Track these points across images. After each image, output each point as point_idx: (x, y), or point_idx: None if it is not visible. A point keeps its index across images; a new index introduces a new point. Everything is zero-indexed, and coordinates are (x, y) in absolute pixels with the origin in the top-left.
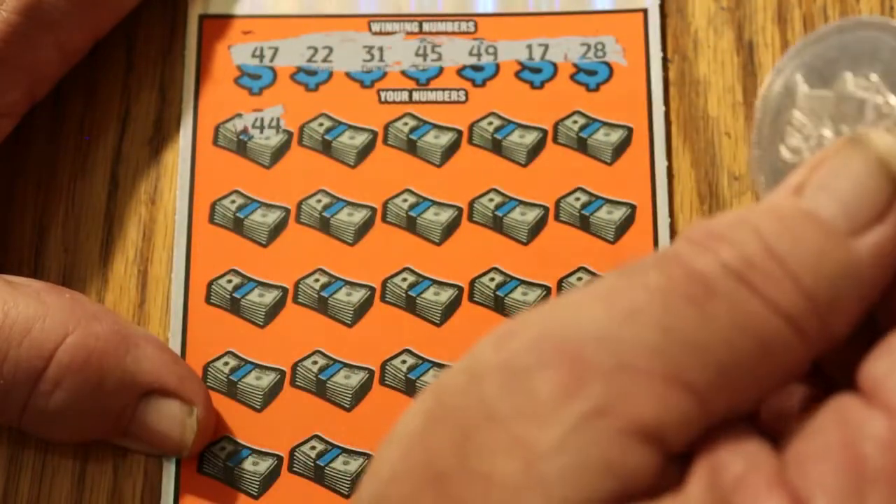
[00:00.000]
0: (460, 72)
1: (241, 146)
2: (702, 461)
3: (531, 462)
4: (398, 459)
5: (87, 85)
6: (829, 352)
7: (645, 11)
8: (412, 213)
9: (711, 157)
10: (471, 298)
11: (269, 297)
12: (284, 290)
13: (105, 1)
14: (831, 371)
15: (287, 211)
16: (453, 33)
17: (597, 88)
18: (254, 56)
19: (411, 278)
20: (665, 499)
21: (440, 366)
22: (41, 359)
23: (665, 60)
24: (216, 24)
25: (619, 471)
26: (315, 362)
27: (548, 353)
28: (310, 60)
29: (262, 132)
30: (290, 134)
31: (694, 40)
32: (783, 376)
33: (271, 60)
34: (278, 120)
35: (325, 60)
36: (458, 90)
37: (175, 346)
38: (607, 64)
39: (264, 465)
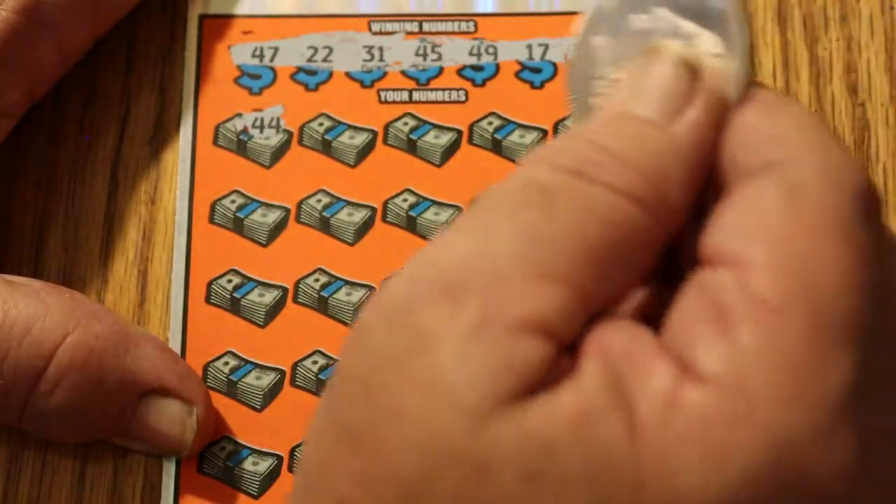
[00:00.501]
0: (460, 72)
1: (241, 146)
2: (591, 346)
3: (434, 384)
4: (312, 433)
5: (87, 85)
6: (675, 232)
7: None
8: (412, 213)
9: None
10: None
11: (269, 296)
12: (284, 290)
13: (105, 1)
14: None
15: (287, 211)
16: (453, 33)
17: None
18: (254, 56)
19: None
20: (563, 385)
21: None
22: (41, 358)
23: None
24: (216, 24)
25: (516, 367)
26: (315, 362)
27: (423, 289)
28: (310, 60)
29: (262, 132)
30: (290, 134)
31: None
32: (642, 252)
33: (271, 60)
34: (278, 120)
35: (325, 60)
36: (458, 90)
37: (175, 346)
38: None
39: (264, 465)
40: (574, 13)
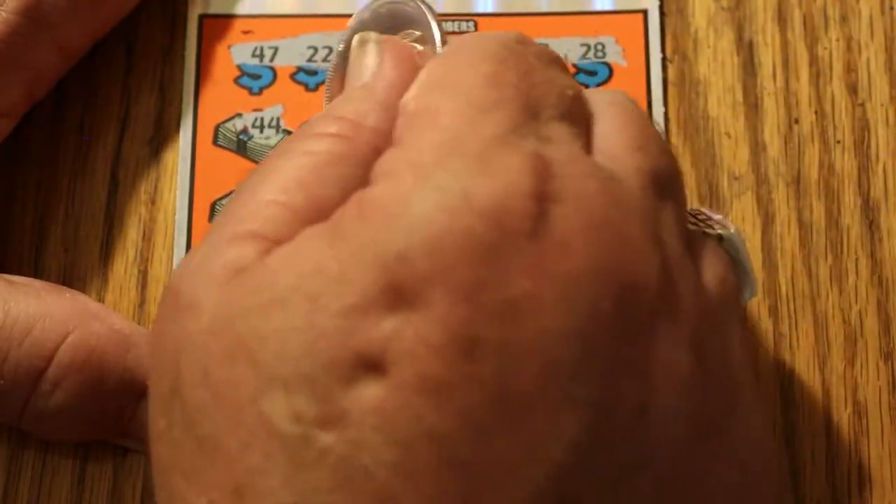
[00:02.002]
0: None
1: (240, 146)
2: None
3: (175, 295)
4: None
5: (87, 85)
6: (386, 144)
7: (645, 12)
8: None
9: (711, 157)
10: None
11: None
12: None
13: (105, 1)
14: None
15: None
16: (453, 33)
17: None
18: (254, 56)
19: None
20: (275, 251)
21: None
22: (42, 358)
23: (665, 61)
24: (216, 24)
25: (233, 258)
26: None
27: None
28: (310, 60)
29: (261, 132)
30: (289, 134)
31: (694, 40)
32: (350, 164)
33: (271, 60)
34: (278, 120)
35: (325, 60)
36: None
37: None
38: (607, 64)
39: None
40: (573, 13)
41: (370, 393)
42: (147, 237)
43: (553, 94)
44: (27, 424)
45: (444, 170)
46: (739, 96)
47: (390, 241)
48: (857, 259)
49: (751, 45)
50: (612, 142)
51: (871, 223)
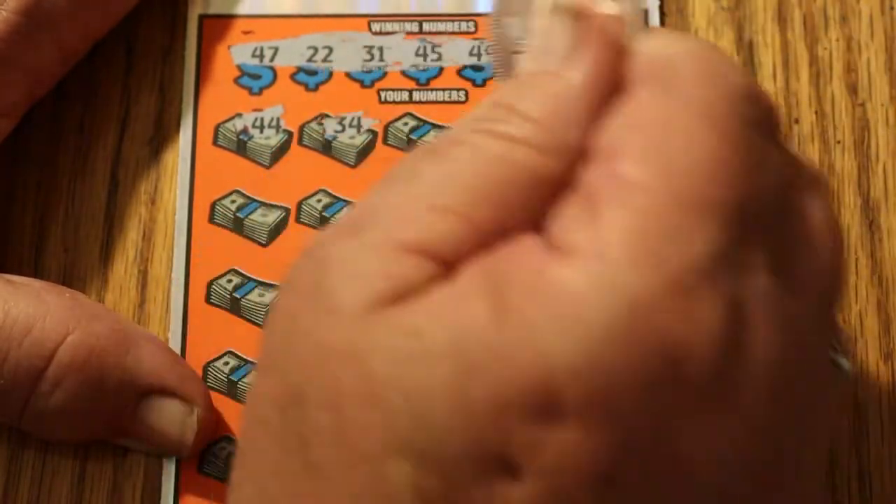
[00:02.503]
0: (460, 72)
1: (240, 146)
2: (474, 258)
3: (322, 298)
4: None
5: (87, 85)
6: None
7: (645, 12)
8: None
9: None
10: None
11: (270, 296)
12: None
13: (104, 1)
14: None
15: (287, 211)
16: (453, 33)
17: None
18: (254, 56)
19: None
20: (438, 286)
21: None
22: (41, 358)
23: None
24: (216, 24)
25: (392, 278)
26: None
27: (333, 231)
28: (310, 60)
29: (261, 132)
30: (289, 134)
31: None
32: (540, 184)
33: (271, 60)
34: (278, 120)
35: (325, 60)
36: (458, 90)
37: (175, 345)
38: None
39: None
40: None
41: (500, 494)
42: (147, 237)
43: (769, 198)
44: (27, 424)
45: (637, 284)
46: None
47: (564, 347)
48: (857, 259)
49: (751, 45)
50: (812, 273)
51: (871, 223)
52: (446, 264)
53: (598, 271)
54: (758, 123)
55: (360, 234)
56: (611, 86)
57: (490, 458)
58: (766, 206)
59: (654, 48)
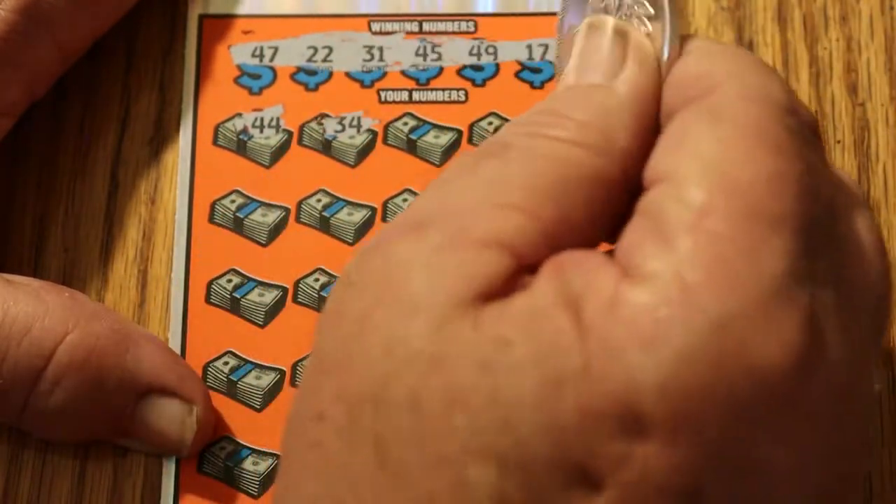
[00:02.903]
0: (460, 72)
1: (240, 146)
2: (548, 265)
3: (397, 296)
4: (302, 377)
5: (87, 85)
6: (633, 170)
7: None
8: None
9: None
10: None
11: (269, 296)
12: (284, 290)
13: (104, 0)
14: None
15: (287, 211)
16: (453, 33)
17: None
18: (254, 56)
19: None
20: (518, 294)
21: None
22: (41, 358)
23: None
24: (216, 24)
25: (475, 275)
26: None
27: (392, 230)
28: (310, 60)
29: (261, 132)
30: (289, 134)
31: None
32: (597, 187)
33: (271, 60)
34: (278, 120)
35: (325, 60)
36: (458, 90)
37: (175, 345)
38: None
39: (264, 465)
40: None
41: None
42: (147, 237)
43: (825, 207)
44: (27, 424)
45: (717, 304)
46: None
47: (648, 364)
48: None
49: (751, 45)
50: (864, 287)
51: None
52: (522, 260)
53: (677, 295)
54: (803, 134)
55: (429, 232)
56: (654, 101)
57: (573, 469)
58: (824, 217)
59: (692, 64)
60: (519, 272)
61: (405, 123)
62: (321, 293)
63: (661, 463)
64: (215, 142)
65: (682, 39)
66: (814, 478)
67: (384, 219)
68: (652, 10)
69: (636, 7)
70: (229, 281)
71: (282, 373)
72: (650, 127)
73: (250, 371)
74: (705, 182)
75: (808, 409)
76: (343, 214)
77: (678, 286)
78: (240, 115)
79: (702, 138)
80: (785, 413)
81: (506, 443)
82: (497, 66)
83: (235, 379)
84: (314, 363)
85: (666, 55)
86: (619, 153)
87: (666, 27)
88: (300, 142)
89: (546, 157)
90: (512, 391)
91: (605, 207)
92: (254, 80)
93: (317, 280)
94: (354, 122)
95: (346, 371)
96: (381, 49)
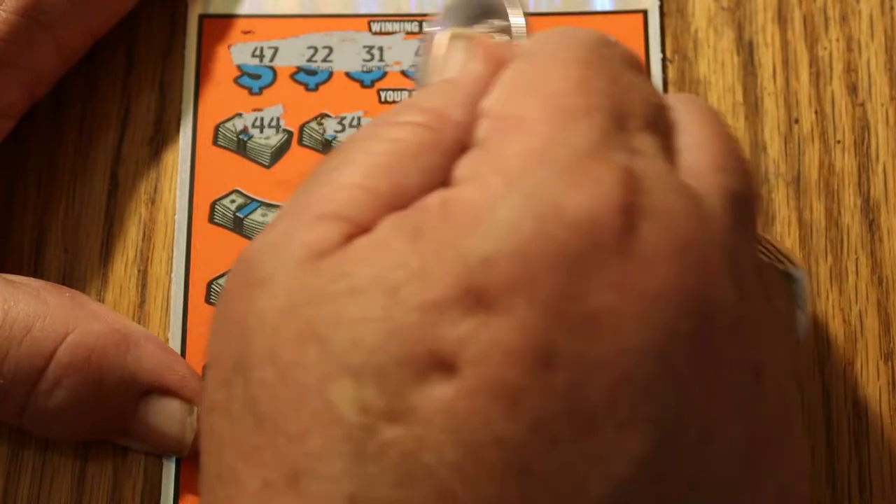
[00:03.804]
0: None
1: (240, 146)
2: (390, 215)
3: (249, 274)
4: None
5: (87, 85)
6: (468, 138)
7: (645, 12)
8: None
9: None
10: None
11: None
12: None
13: (104, 0)
14: None
15: None
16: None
17: None
18: (254, 56)
19: None
20: (357, 239)
21: None
22: (41, 358)
23: (665, 61)
24: (216, 24)
25: (308, 241)
26: None
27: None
28: (310, 60)
29: (261, 132)
30: (289, 134)
31: (694, 40)
32: (434, 154)
33: (271, 60)
34: (278, 120)
35: (325, 60)
36: None
37: (175, 345)
38: None
39: None
40: (573, 13)
41: (440, 392)
42: (147, 237)
43: (639, 102)
44: (27, 423)
45: (534, 178)
46: (739, 96)
47: (475, 244)
48: (857, 259)
49: (751, 45)
50: (697, 157)
51: (871, 223)
52: (360, 225)
53: (497, 182)
54: (613, 56)
55: (276, 223)
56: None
57: (424, 360)
58: (640, 110)
59: (524, 45)
60: (355, 235)
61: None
62: None
63: (505, 329)
64: (215, 142)
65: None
66: (663, 325)
67: None
68: (503, 23)
69: (490, 27)
70: None
71: None
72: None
73: None
74: (517, 98)
75: (641, 253)
76: None
77: (498, 176)
78: (240, 115)
79: (516, 72)
80: (614, 260)
81: (357, 357)
82: None
83: None
84: (204, 366)
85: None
86: (452, 124)
87: (517, 32)
88: (300, 142)
89: (382, 138)
90: (355, 311)
91: (447, 173)
92: (254, 80)
93: None
94: (354, 122)
95: (219, 358)
96: (381, 49)
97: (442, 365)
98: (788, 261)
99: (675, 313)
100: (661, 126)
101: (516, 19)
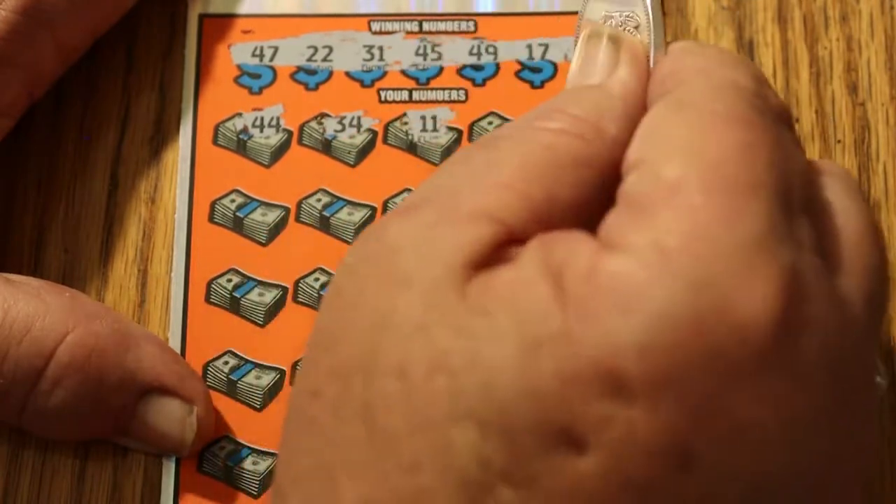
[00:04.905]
0: (460, 71)
1: (240, 145)
2: (535, 239)
3: (388, 273)
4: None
5: (87, 85)
6: (621, 155)
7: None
8: None
9: None
10: None
11: (269, 296)
12: (284, 290)
13: (104, 0)
14: None
15: (287, 210)
16: (453, 33)
17: None
18: (254, 55)
19: None
20: (505, 266)
21: None
22: (41, 357)
23: None
24: (216, 24)
25: (464, 246)
26: None
27: (388, 216)
28: (310, 60)
29: (261, 131)
30: (289, 133)
31: (694, 40)
32: (586, 170)
33: (271, 60)
34: (278, 119)
35: (325, 60)
36: (458, 90)
37: (175, 345)
38: None
39: (264, 465)
40: (574, 13)
41: (568, 468)
42: (147, 237)
43: (798, 177)
44: (27, 423)
45: (697, 266)
46: None
47: (628, 327)
48: None
49: (751, 45)
50: (849, 254)
51: None
52: (510, 231)
53: (655, 260)
54: (772, 113)
55: (421, 212)
56: (643, 96)
57: (556, 432)
58: (799, 186)
59: (667, 63)
60: (508, 243)
61: (405, 123)
62: (321, 292)
63: (646, 424)
64: (215, 141)
65: (668, 45)
66: (807, 445)
67: None
68: (640, 21)
69: (628, 20)
70: (229, 280)
71: (282, 372)
72: (639, 119)
73: (250, 371)
74: (677, 160)
75: (797, 370)
76: (343, 214)
77: (656, 253)
78: (240, 114)
79: (671, 124)
80: (769, 371)
81: (487, 406)
82: (497, 65)
83: (235, 378)
84: (313, 342)
85: (652, 58)
86: (609, 142)
87: (651, 34)
88: (300, 141)
89: (536, 143)
90: (491, 356)
91: (597, 192)
92: (254, 80)
93: (317, 279)
94: (354, 122)
95: (339, 346)
96: (381, 49)
97: (573, 441)
98: (879, 369)
99: (818, 436)
100: (815, 206)
101: (647, 12)
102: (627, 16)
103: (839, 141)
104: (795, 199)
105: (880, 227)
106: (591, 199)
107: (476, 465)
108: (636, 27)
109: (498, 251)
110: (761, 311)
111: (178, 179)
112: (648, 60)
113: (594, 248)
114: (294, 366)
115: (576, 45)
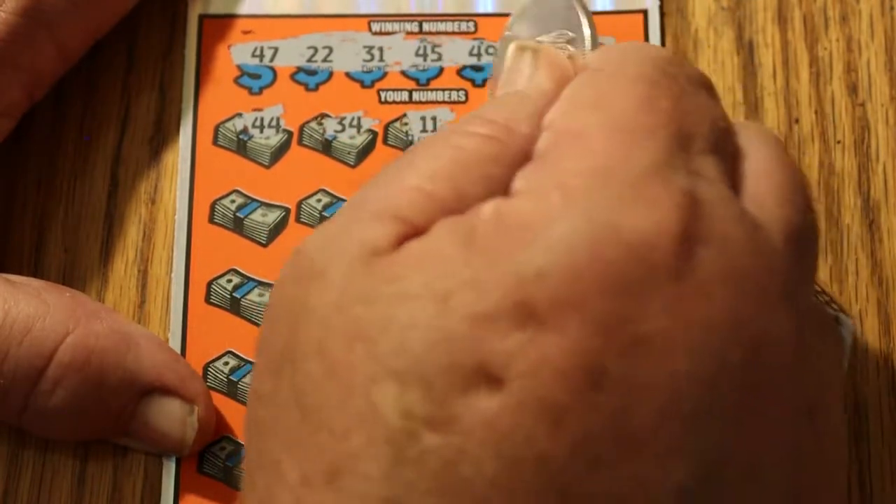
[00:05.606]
0: (460, 72)
1: (240, 146)
2: (445, 219)
3: (304, 268)
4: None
5: (87, 85)
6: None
7: (645, 12)
8: None
9: None
10: None
11: (269, 297)
12: None
13: (104, 0)
14: None
15: (287, 210)
16: (453, 33)
17: None
18: (254, 56)
19: None
20: (410, 241)
21: None
22: (41, 358)
23: None
24: (216, 24)
25: (364, 239)
26: None
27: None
28: (310, 60)
29: (261, 132)
30: (289, 134)
31: (694, 40)
32: (497, 166)
33: (271, 60)
34: (278, 119)
35: (325, 60)
36: (458, 90)
37: (175, 345)
38: None
39: None
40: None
41: (484, 404)
42: (147, 237)
43: (705, 125)
44: (28, 423)
45: (592, 197)
46: (739, 96)
47: (530, 257)
48: (857, 259)
49: (751, 45)
50: (761, 186)
51: (871, 223)
52: (416, 226)
53: (557, 197)
54: (683, 74)
55: (333, 220)
56: (559, 95)
57: (470, 372)
58: (708, 132)
59: (588, 59)
60: (411, 236)
61: (405, 124)
62: None
63: (555, 346)
64: (215, 142)
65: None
66: (713, 352)
67: None
68: (571, 35)
69: (558, 37)
70: (229, 281)
71: None
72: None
73: (250, 371)
74: (581, 113)
75: (696, 279)
76: None
77: (558, 192)
78: (240, 115)
79: (580, 89)
80: (668, 284)
81: (403, 361)
82: None
83: (235, 379)
84: (255, 352)
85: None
86: (519, 138)
87: (585, 43)
88: (300, 142)
89: (447, 146)
90: (404, 316)
91: (507, 184)
92: (254, 80)
93: None
94: (354, 123)
95: (268, 346)
96: (381, 49)
97: (489, 377)
98: (839, 307)
99: (727, 343)
100: (726, 150)
101: (585, 30)
102: (559, 33)
103: (839, 141)
104: (699, 142)
105: (804, 172)
106: (502, 191)
107: (399, 417)
108: (568, 41)
109: (401, 242)
110: (652, 230)
111: (178, 180)
112: (570, 65)
113: (497, 200)
114: None
115: (497, 58)
